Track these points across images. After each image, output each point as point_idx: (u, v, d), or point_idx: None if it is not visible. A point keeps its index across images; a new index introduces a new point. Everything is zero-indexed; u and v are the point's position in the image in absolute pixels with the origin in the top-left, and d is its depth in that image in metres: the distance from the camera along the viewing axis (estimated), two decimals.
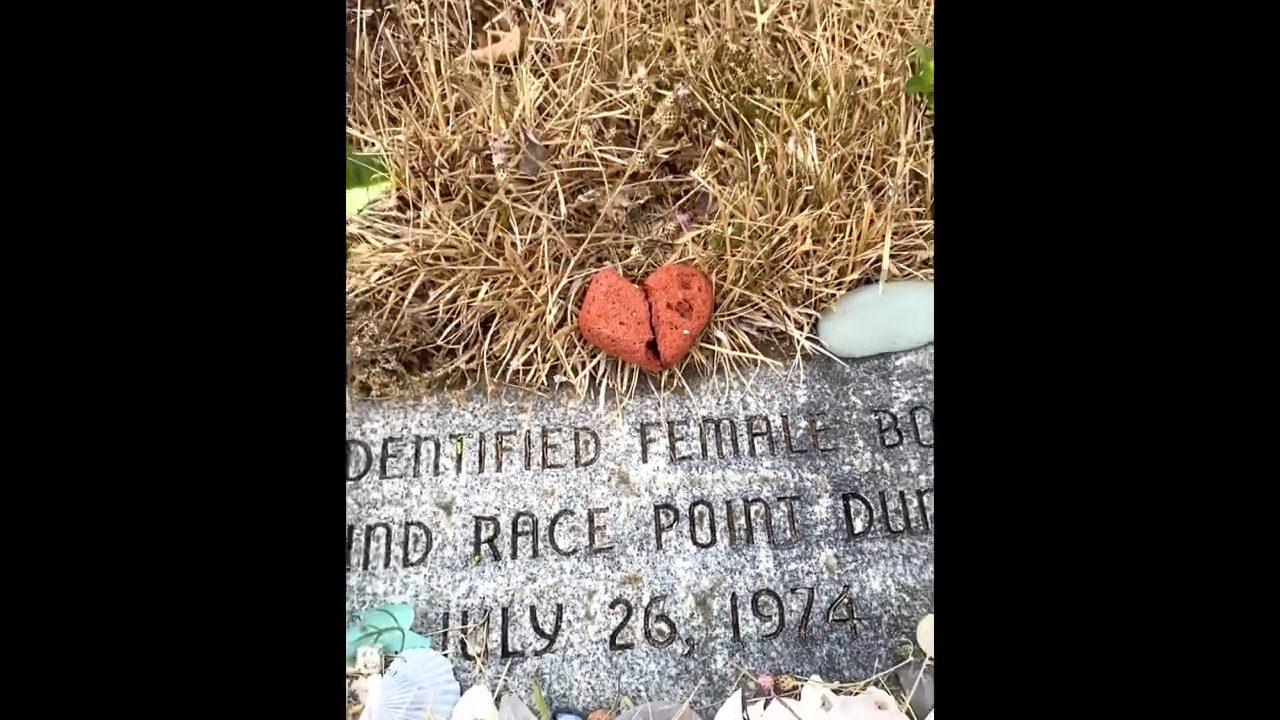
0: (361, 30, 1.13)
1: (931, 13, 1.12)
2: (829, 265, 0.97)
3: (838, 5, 1.13)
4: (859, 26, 1.12)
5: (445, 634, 0.88)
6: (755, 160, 0.99)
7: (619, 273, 0.99)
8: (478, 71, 1.09)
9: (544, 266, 0.97)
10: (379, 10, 1.18)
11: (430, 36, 1.08)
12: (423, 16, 1.16)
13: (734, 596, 0.91)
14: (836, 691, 0.86)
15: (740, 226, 0.96)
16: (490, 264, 0.98)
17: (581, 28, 1.11)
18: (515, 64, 1.09)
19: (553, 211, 0.99)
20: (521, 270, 0.97)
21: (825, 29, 1.09)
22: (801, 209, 0.96)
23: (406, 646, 0.88)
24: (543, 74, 1.07)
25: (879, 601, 0.91)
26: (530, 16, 1.14)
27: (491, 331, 0.98)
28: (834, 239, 0.96)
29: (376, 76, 1.12)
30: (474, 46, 1.14)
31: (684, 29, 1.06)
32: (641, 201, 1.03)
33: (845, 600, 0.91)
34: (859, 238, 0.96)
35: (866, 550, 0.93)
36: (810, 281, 0.98)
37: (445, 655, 0.87)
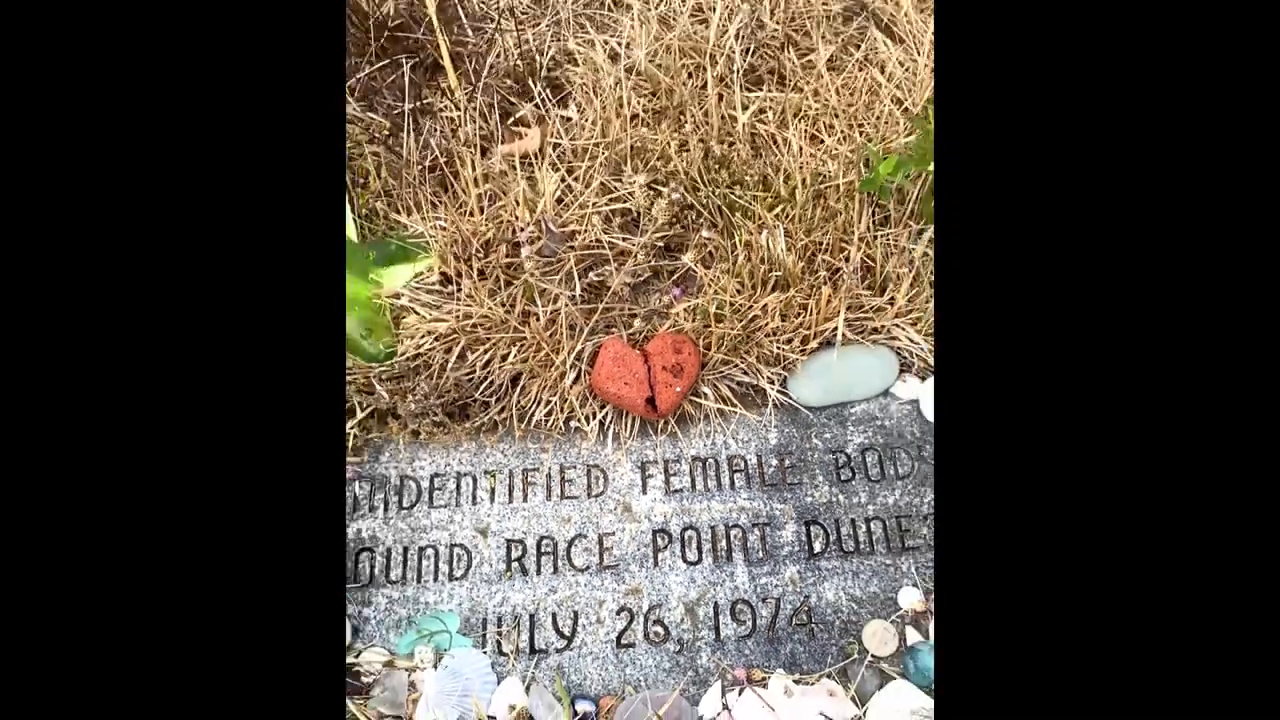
0: (408, 127, 1.32)
1: (887, 114, 1.31)
2: (794, 335, 1.17)
3: (808, 106, 1.32)
4: (825, 125, 1.31)
5: (484, 635, 1.08)
6: (735, 247, 1.19)
7: (623, 340, 1.18)
8: (505, 165, 1.28)
9: (562, 334, 1.17)
10: (419, 105, 1.37)
11: (465, 142, 1.27)
12: (456, 112, 1.35)
13: (716, 605, 1.11)
14: (797, 682, 1.06)
15: (722, 303, 1.16)
16: (517, 332, 1.17)
17: (594, 124, 1.30)
18: (537, 159, 1.29)
19: (569, 287, 1.19)
20: (543, 338, 1.17)
21: (796, 127, 1.29)
22: (772, 290, 1.15)
23: (454, 646, 1.08)
24: (559, 169, 1.27)
25: (832, 609, 1.11)
26: (548, 115, 1.33)
27: (519, 387, 1.18)
28: (798, 316, 1.16)
29: (420, 165, 1.31)
30: (501, 141, 1.33)
31: (678, 134, 1.25)
32: (642, 278, 1.22)
33: (805, 608, 1.11)
34: (819, 314, 1.16)
35: (823, 567, 1.13)
36: (779, 348, 1.17)
37: (485, 653, 1.07)
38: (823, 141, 1.28)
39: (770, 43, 1.39)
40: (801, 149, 1.26)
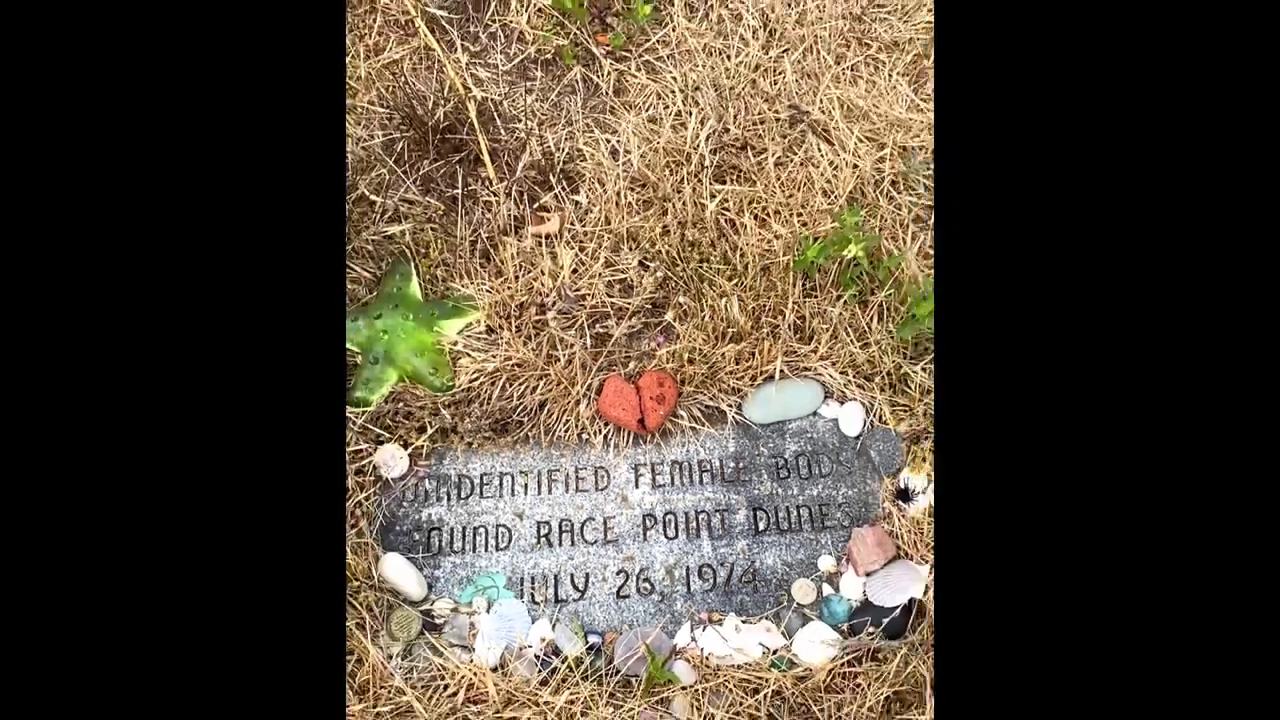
0: (460, 210, 1.69)
1: (817, 205, 1.69)
2: (745, 374, 1.56)
3: (759, 197, 1.70)
4: (772, 212, 1.69)
5: (522, 590, 1.47)
6: (702, 309, 1.57)
7: (622, 377, 1.57)
8: (533, 242, 1.66)
9: (576, 372, 1.55)
10: (464, 191, 1.75)
11: (503, 228, 1.65)
12: (493, 197, 1.73)
13: (688, 568, 1.49)
14: (744, 622, 1.45)
15: (694, 350, 1.54)
16: (544, 371, 1.55)
17: (600, 212, 1.68)
18: (557, 239, 1.67)
19: (581, 337, 1.57)
20: (562, 375, 1.55)
21: (749, 215, 1.67)
22: (729, 342, 1.54)
23: (501, 597, 1.46)
24: (574, 247, 1.65)
25: (770, 571, 1.49)
26: (564, 202, 1.71)
27: (545, 410, 1.56)
28: (748, 360, 1.55)
29: (469, 241, 1.68)
30: (529, 222, 1.71)
31: (661, 221, 1.63)
32: (635, 330, 1.61)
33: (751, 570, 1.49)
34: (763, 358, 1.54)
35: (765, 541, 1.52)
36: (735, 382, 1.56)
37: (523, 602, 1.46)
38: (771, 226, 1.67)
39: (732, 144, 1.77)
40: (752, 230, 1.65)
